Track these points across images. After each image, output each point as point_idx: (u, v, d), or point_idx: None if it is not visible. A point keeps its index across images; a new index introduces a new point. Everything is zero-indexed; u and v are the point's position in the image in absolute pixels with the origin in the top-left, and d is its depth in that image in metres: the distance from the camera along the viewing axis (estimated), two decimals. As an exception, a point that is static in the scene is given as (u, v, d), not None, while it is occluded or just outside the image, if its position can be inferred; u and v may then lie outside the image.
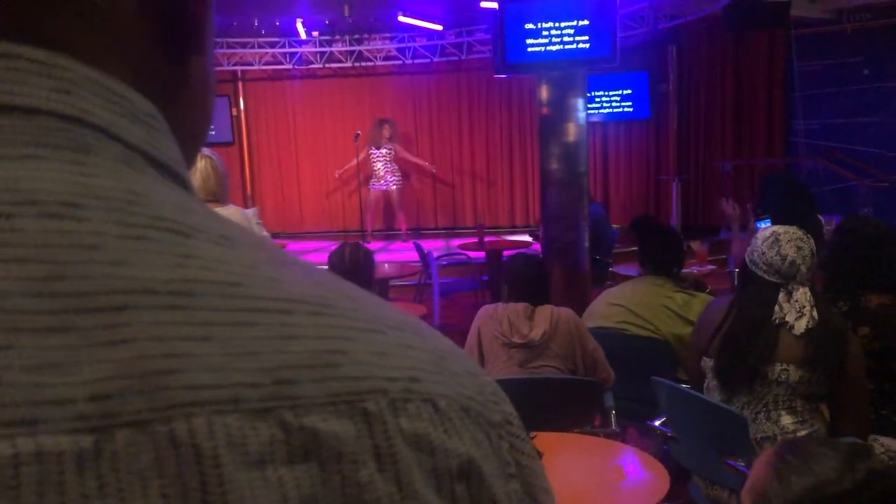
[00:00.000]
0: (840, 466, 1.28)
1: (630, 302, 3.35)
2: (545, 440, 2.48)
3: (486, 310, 3.07)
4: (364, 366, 0.30)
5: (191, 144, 0.40)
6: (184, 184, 0.34)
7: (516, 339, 2.93)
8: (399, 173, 10.36)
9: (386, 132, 10.18)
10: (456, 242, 8.59)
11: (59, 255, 0.26)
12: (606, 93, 10.64)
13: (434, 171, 10.89)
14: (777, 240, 2.48)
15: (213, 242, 0.30)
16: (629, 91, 10.63)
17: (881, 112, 9.25)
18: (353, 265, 3.04)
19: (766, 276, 2.49)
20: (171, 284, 0.28)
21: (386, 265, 6.87)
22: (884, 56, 9.13)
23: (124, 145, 0.31)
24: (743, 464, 2.38)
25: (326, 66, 10.84)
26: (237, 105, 11.58)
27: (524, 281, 3.08)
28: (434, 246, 9.44)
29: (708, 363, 2.59)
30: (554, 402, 2.82)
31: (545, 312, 2.99)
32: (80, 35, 0.31)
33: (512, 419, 0.36)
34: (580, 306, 3.61)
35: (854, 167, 9.21)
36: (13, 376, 0.24)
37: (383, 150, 10.15)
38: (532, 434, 2.07)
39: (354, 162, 10.30)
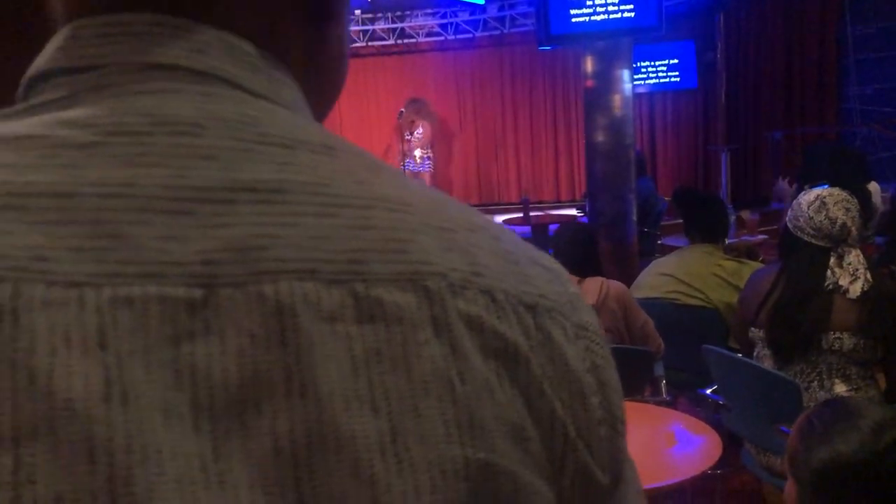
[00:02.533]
0: (864, 435, 1.25)
1: (679, 271, 3.33)
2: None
3: None
4: (429, 254, 0.35)
5: (326, 100, 0.47)
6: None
7: None
8: (431, 156, 10.28)
9: (416, 113, 10.06)
10: (501, 218, 8.59)
11: (184, 161, 0.34)
12: (653, 63, 10.47)
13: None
14: (824, 203, 2.44)
15: (313, 152, 0.37)
16: (676, 61, 10.44)
17: (939, 75, 8.95)
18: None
19: (814, 241, 2.45)
20: (268, 184, 0.34)
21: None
22: (942, 16, 8.81)
23: (246, 92, 0.38)
24: (795, 430, 2.37)
25: (370, 44, 10.86)
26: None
27: (571, 251, 3.06)
28: (480, 222, 9.46)
29: (757, 333, 2.57)
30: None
31: (594, 284, 2.95)
32: (218, 4, 0.38)
33: (588, 325, 0.41)
34: (628, 279, 3.60)
35: (910, 133, 8.94)
36: (147, 242, 0.32)
37: (417, 132, 10.05)
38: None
39: (402, 144, 10.21)
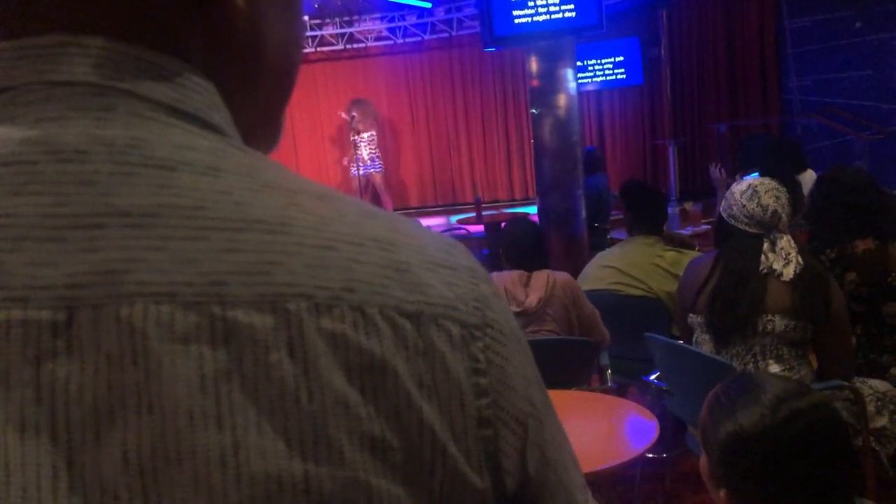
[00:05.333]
0: (763, 408, 1.29)
1: (621, 263, 3.42)
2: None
3: None
4: (296, 276, 0.37)
5: (264, 92, 0.47)
6: (212, 126, 0.41)
7: (513, 307, 2.98)
8: (380, 156, 10.18)
9: (360, 114, 9.89)
10: (456, 218, 8.64)
11: (65, 189, 0.36)
12: (599, 61, 10.59)
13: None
14: (755, 192, 2.54)
15: (195, 174, 0.38)
16: (621, 58, 10.58)
17: (875, 65, 9.22)
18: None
19: (747, 229, 2.55)
20: (143, 208, 0.36)
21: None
22: (875, 7, 9.08)
23: (149, 102, 0.39)
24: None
25: (318, 49, 10.85)
26: (232, 94, 11.59)
27: (518, 247, 3.12)
28: (435, 223, 9.50)
29: (695, 319, 2.66)
30: (550, 362, 2.89)
31: (541, 278, 3.02)
32: (118, 18, 0.40)
33: (494, 324, 0.43)
34: (577, 274, 3.67)
35: (849, 121, 9.20)
36: (18, 269, 0.34)
37: (365, 134, 9.94)
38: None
39: (353, 148, 10.07)
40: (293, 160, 11.65)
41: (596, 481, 2.14)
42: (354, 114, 9.82)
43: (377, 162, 10.09)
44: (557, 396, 2.58)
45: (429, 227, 0.48)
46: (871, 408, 2.57)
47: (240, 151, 0.41)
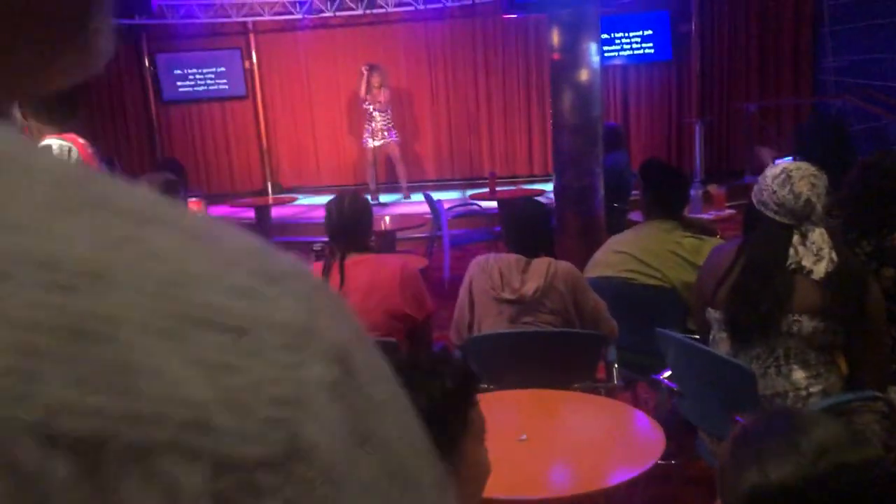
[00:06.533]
0: (801, 457, 1.05)
1: (636, 248, 3.16)
2: (538, 397, 2.33)
3: (477, 261, 2.87)
4: None
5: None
6: None
7: (506, 294, 2.73)
8: (395, 126, 9.83)
9: (376, 80, 9.55)
10: (470, 193, 8.40)
11: None
12: (627, 34, 10.29)
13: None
14: (789, 177, 2.27)
15: None
16: (650, 32, 10.26)
17: (915, 46, 8.81)
18: (353, 216, 2.85)
19: (776, 217, 2.28)
20: None
21: (386, 218, 6.72)
22: (918, -14, 8.66)
23: None
24: (751, 420, 2.22)
25: (337, 14, 10.55)
26: (249, 57, 11.37)
27: (520, 230, 2.88)
28: (451, 197, 9.26)
29: (713, 314, 2.40)
30: (551, 356, 2.66)
31: (541, 266, 2.78)
32: None
33: (311, 455, 0.22)
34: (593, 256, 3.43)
35: (886, 104, 8.81)
36: None
37: (379, 102, 9.59)
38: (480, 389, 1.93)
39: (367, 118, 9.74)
40: (309, 127, 11.44)
41: (593, 495, 1.92)
42: (373, 79, 9.53)
43: (393, 133, 9.79)
44: (555, 398, 2.34)
45: (238, 230, 0.26)
46: (905, 421, 2.32)
47: None
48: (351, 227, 2.84)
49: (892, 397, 2.33)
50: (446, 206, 6.87)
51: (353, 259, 2.80)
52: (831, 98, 9.40)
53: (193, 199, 3.82)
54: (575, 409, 2.26)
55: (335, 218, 2.84)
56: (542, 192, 7.27)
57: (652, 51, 10.31)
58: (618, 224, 6.02)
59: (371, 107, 9.61)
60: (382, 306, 2.72)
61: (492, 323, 2.74)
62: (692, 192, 4.37)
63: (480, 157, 11.18)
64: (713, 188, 5.24)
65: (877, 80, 9.07)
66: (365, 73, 9.68)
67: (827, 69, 9.55)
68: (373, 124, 9.62)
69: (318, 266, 2.84)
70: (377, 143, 9.65)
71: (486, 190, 7.30)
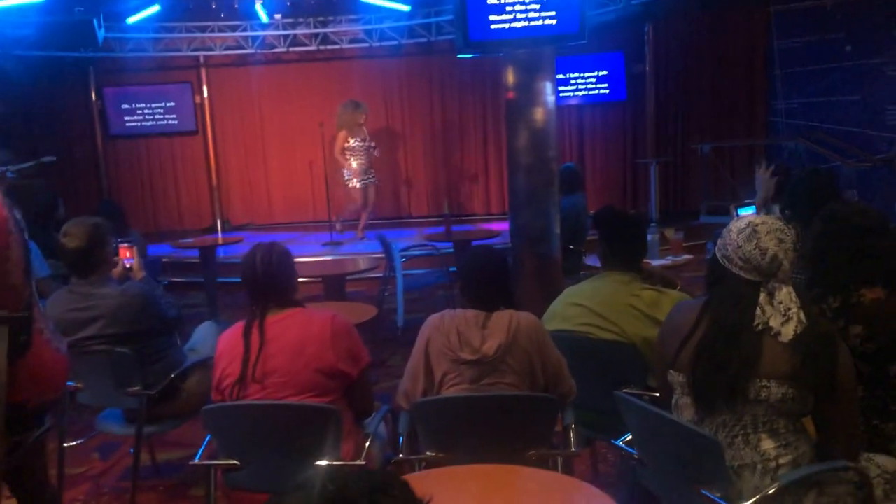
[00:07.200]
0: None
1: (592, 301, 3.00)
2: (480, 472, 2.14)
3: (433, 319, 2.66)
4: None
5: None
6: None
7: (466, 355, 2.52)
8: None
9: (360, 118, 9.07)
10: (426, 233, 8.24)
11: None
12: (581, 74, 10.33)
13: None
14: (755, 231, 2.13)
15: None
16: (605, 72, 10.31)
17: (864, 89, 8.95)
18: (271, 269, 2.62)
19: (742, 274, 2.14)
20: None
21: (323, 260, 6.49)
22: (866, 31, 8.82)
23: None
24: (718, 494, 2.05)
25: (291, 50, 10.41)
26: (200, 92, 11.14)
27: (478, 282, 2.67)
28: (408, 236, 9.08)
29: (676, 377, 2.24)
30: (507, 421, 2.47)
31: (502, 320, 2.58)
32: None
33: None
34: (551, 298, 3.25)
35: (837, 147, 8.91)
36: None
37: (364, 142, 9.09)
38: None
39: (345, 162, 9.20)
40: (262, 163, 11.20)
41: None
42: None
43: (373, 172, 9.34)
44: (504, 477, 2.14)
45: None
46: (878, 491, 2.17)
47: None
48: (271, 282, 2.62)
49: (864, 466, 2.19)
50: (401, 245, 6.69)
51: (275, 316, 2.59)
52: (784, 140, 9.49)
53: (124, 244, 3.57)
54: (529, 490, 2.06)
55: (252, 272, 2.62)
56: (498, 234, 7.13)
57: (607, 91, 10.35)
58: (574, 266, 5.90)
59: (364, 143, 9.14)
60: (314, 365, 2.51)
61: (450, 384, 2.54)
62: (649, 237, 4.25)
63: (437, 195, 11.06)
64: (670, 233, 5.14)
65: (827, 123, 9.19)
66: (350, 107, 9.17)
67: (779, 111, 9.66)
68: (361, 163, 9.15)
69: (238, 327, 2.61)
70: (358, 185, 9.19)
71: (443, 230, 7.14)
